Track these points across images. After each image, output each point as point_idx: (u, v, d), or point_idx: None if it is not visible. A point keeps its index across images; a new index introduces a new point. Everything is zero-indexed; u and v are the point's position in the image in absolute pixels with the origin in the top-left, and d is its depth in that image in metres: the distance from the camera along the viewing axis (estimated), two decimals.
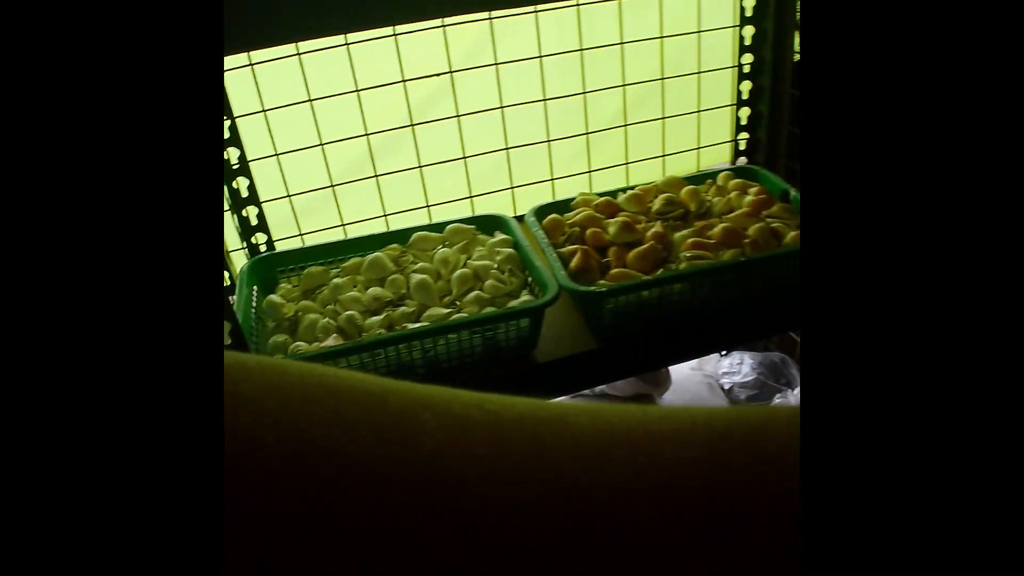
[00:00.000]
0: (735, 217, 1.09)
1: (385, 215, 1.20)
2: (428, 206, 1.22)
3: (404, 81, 1.12)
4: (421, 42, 1.12)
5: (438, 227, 1.07)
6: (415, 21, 1.07)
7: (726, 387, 1.45)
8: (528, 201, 1.22)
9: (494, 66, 1.17)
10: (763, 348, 1.55)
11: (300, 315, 0.95)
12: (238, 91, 1.04)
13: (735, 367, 1.48)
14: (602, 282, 0.96)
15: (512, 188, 1.27)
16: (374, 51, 1.09)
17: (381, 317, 0.89)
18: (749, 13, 1.30)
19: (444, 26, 1.11)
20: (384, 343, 0.82)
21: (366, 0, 0.99)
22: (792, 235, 1.05)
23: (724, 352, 1.56)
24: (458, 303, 0.93)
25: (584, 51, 1.22)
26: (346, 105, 1.11)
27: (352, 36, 1.06)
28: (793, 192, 1.14)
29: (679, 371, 1.46)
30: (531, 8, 1.15)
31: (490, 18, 1.13)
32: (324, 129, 1.11)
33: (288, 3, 0.94)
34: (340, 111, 1.11)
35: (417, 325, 0.87)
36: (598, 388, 1.36)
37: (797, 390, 1.45)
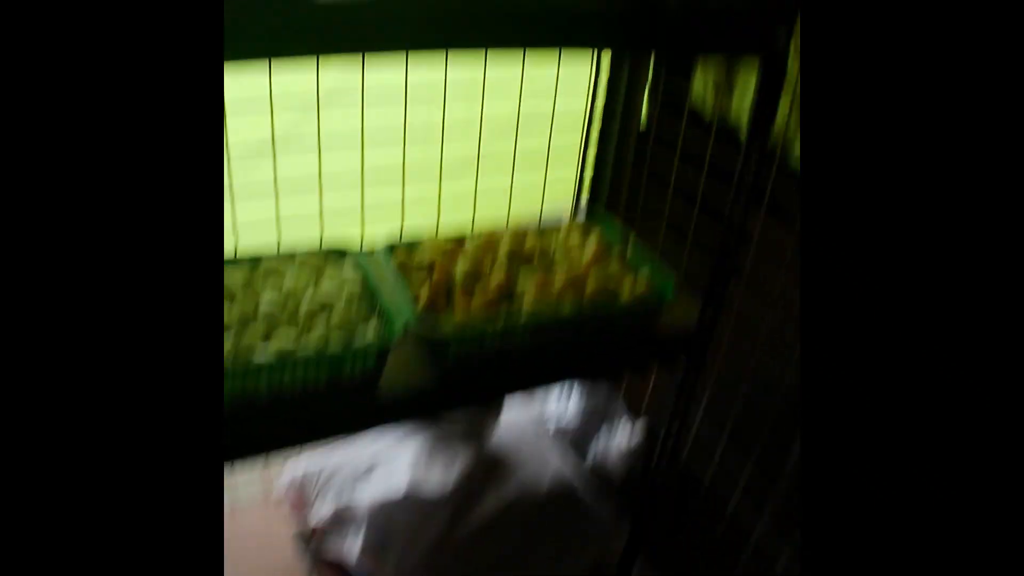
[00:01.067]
0: (575, 266, 1.18)
1: (235, 233, 1.18)
2: (279, 233, 1.21)
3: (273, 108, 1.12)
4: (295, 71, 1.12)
5: (289, 252, 1.07)
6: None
7: (551, 429, 1.54)
8: (380, 235, 1.25)
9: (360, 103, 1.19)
10: (591, 394, 1.66)
11: None
12: None
13: (562, 410, 1.57)
14: (447, 320, 1.01)
15: (363, 222, 1.29)
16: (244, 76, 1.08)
17: (228, 344, 0.88)
18: (603, 79, 1.41)
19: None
20: (229, 375, 0.82)
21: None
22: (626, 285, 1.14)
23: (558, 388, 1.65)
24: (304, 334, 0.93)
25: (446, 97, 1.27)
26: None
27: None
28: (631, 245, 1.24)
29: (508, 407, 1.53)
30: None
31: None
32: None
33: None
34: None
35: (264, 356, 0.86)
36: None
37: (619, 426, 1.55)
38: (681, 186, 1.39)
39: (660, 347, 1.17)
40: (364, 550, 1.40)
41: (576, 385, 1.67)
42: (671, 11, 0.86)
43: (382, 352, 0.92)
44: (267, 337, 0.91)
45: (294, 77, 1.13)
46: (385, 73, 1.19)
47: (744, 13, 0.93)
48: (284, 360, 0.85)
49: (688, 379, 1.21)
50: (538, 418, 1.56)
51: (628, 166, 1.51)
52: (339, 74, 1.18)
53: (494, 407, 1.43)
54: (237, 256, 1.07)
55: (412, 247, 1.18)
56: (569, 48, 0.82)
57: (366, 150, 1.23)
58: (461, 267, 1.13)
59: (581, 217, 1.34)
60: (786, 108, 1.19)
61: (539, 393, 1.70)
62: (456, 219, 1.37)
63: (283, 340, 0.90)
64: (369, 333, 0.94)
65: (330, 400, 0.91)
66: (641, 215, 1.51)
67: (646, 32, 0.86)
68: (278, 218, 1.20)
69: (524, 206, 1.46)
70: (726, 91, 1.32)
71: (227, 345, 0.87)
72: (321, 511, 1.46)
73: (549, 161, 1.42)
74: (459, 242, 1.20)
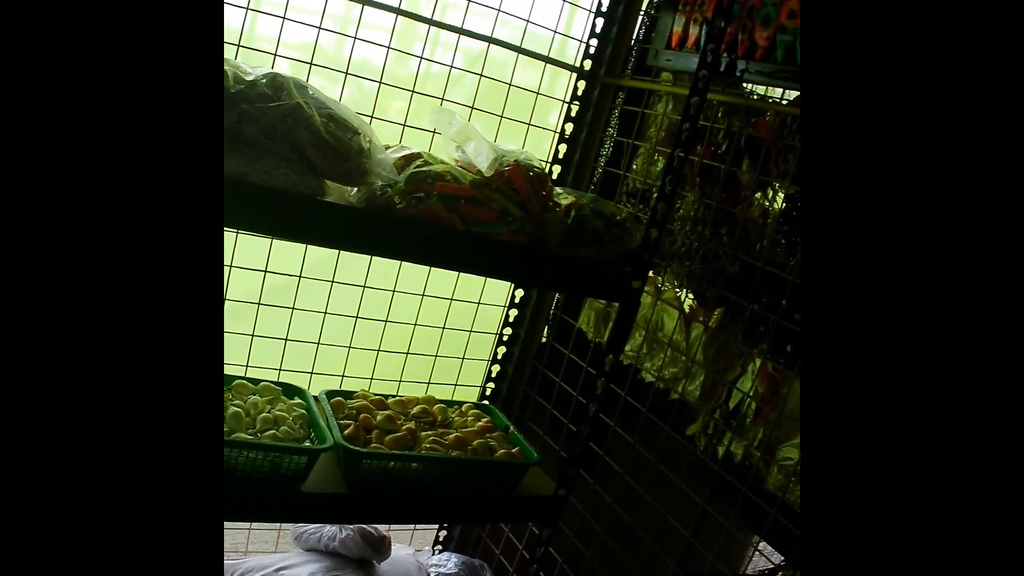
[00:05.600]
0: (466, 432, 1.53)
1: None
2: (247, 365, 1.55)
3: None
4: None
5: (254, 380, 1.41)
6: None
7: (431, 573, 1.79)
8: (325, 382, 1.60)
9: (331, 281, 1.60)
10: (469, 554, 1.92)
11: None
12: None
13: (442, 562, 1.83)
14: (363, 445, 1.34)
15: (312, 372, 1.64)
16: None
17: None
18: (517, 300, 1.85)
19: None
20: None
21: None
22: (501, 452, 1.49)
23: (443, 529, 1.93)
24: (258, 435, 1.25)
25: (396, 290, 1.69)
26: None
27: None
28: (512, 429, 1.60)
29: (398, 550, 1.78)
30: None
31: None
32: None
33: None
34: None
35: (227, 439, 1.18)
36: (332, 545, 1.65)
37: None
38: (561, 392, 1.79)
39: (524, 504, 1.50)
40: None
41: (455, 539, 1.95)
42: (556, 264, 1.31)
43: (312, 456, 1.24)
44: (229, 433, 1.22)
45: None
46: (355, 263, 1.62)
47: (609, 271, 1.38)
48: (240, 444, 1.16)
49: (544, 539, 1.52)
50: (421, 565, 1.81)
51: (526, 371, 1.92)
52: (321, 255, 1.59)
53: (385, 549, 1.69)
54: None
55: (347, 396, 1.52)
56: (479, 275, 1.26)
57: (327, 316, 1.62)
58: (380, 417, 1.47)
59: (479, 403, 1.71)
60: (640, 338, 1.64)
61: (425, 548, 1.96)
62: (389, 374, 1.73)
63: (242, 435, 1.22)
64: (305, 443, 1.27)
65: (268, 486, 1.21)
66: (529, 410, 1.89)
67: (533, 275, 1.32)
68: (249, 358, 1.55)
69: (445, 377, 1.84)
70: (603, 321, 1.77)
71: None
72: None
73: (467, 350, 1.82)
74: (383, 399, 1.56)
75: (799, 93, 1.39)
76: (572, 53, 1.75)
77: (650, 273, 1.46)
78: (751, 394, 1.39)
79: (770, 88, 1.49)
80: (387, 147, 1.24)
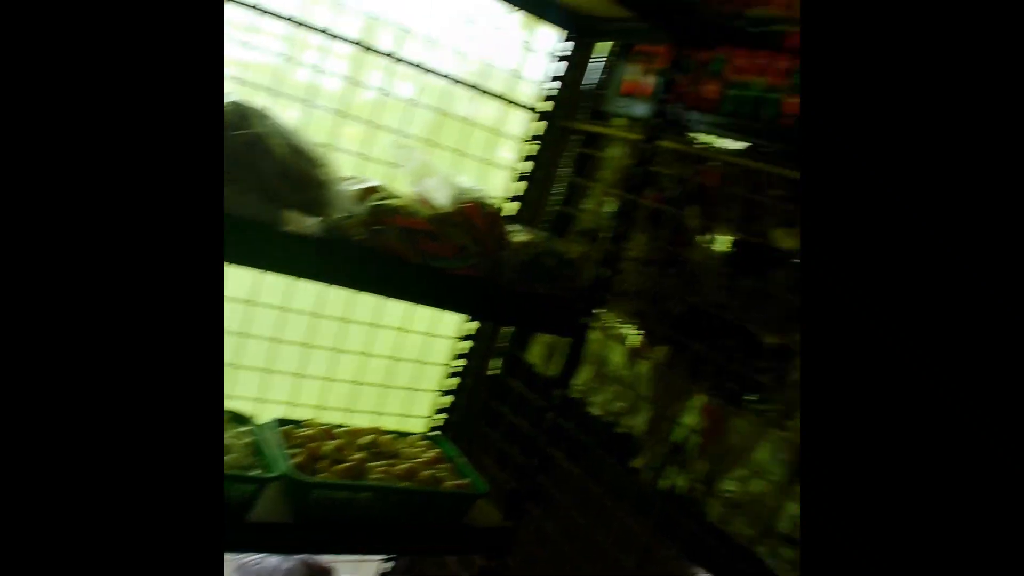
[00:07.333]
0: (415, 463, 1.54)
1: None
2: None
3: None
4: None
5: None
6: None
7: None
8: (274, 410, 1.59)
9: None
10: None
11: None
12: None
13: None
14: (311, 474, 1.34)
15: (259, 400, 1.63)
16: None
17: None
18: (469, 332, 1.88)
19: None
20: None
21: None
22: (450, 483, 1.50)
23: (389, 560, 1.92)
24: None
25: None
26: None
27: None
28: (461, 459, 1.61)
29: None
30: None
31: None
32: None
33: None
34: None
35: None
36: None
37: None
38: (510, 426, 1.81)
39: (472, 535, 1.50)
40: None
41: (401, 570, 1.94)
42: (510, 299, 1.35)
43: (260, 484, 1.24)
44: None
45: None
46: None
47: (561, 307, 1.42)
48: None
49: (491, 571, 1.53)
50: None
51: (477, 402, 1.93)
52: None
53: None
54: None
55: (297, 425, 1.52)
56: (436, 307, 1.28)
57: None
58: (329, 447, 1.47)
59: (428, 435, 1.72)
60: (589, 373, 1.68)
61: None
62: (339, 402, 1.73)
63: None
64: (253, 472, 1.26)
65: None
66: (479, 441, 1.91)
67: (488, 309, 1.35)
68: None
69: (395, 407, 1.84)
70: (553, 355, 1.80)
71: None
72: None
73: (418, 380, 1.84)
74: (332, 428, 1.55)
75: (745, 144, 1.47)
76: (524, 90, 1.79)
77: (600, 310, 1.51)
78: (696, 429, 1.44)
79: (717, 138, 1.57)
80: (345, 178, 1.26)
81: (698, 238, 1.55)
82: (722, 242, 1.55)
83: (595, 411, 1.66)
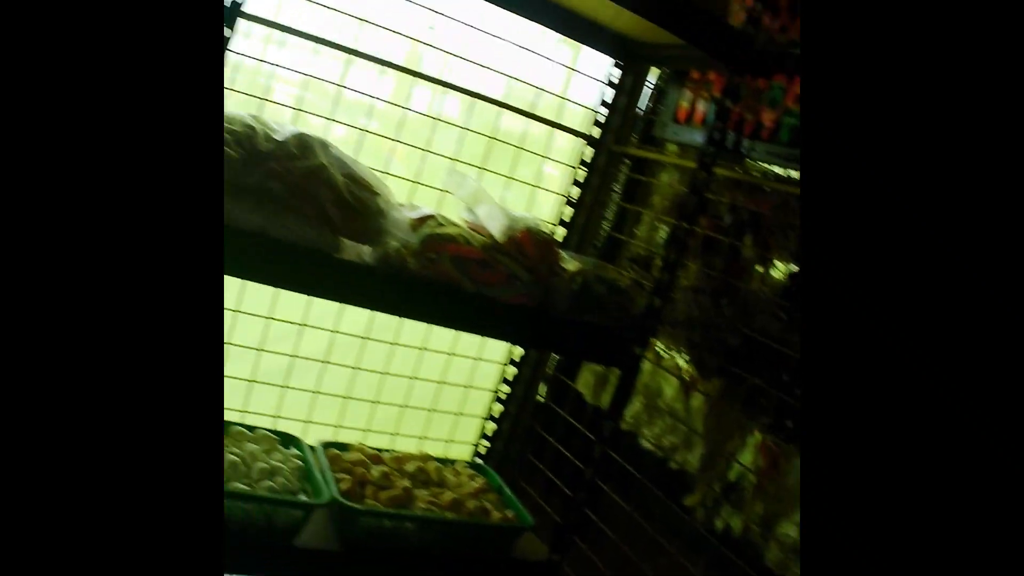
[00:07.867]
0: (461, 493, 1.52)
1: None
2: (242, 411, 1.55)
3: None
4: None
5: (250, 427, 1.40)
6: None
7: None
8: (316, 434, 1.59)
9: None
10: None
11: None
12: None
13: None
14: (360, 502, 1.33)
15: (307, 422, 1.63)
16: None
17: None
18: (516, 358, 1.86)
19: None
20: None
21: None
22: (496, 516, 1.47)
23: None
24: (254, 486, 1.24)
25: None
26: None
27: None
28: (506, 490, 1.59)
29: None
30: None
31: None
32: None
33: None
34: None
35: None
36: None
37: None
38: (556, 456, 1.78)
39: (517, 570, 1.48)
40: None
41: None
42: (561, 328, 1.33)
43: (308, 510, 1.23)
44: (226, 481, 1.21)
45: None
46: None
47: (612, 336, 1.40)
48: (237, 496, 1.15)
49: None
50: None
51: (522, 430, 1.91)
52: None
53: None
54: None
55: (342, 448, 1.51)
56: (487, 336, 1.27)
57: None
58: (375, 472, 1.46)
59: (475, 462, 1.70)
60: (640, 404, 1.64)
61: None
62: (384, 425, 1.71)
63: (238, 485, 1.21)
64: (302, 496, 1.26)
65: (261, 539, 1.20)
66: (523, 472, 1.88)
67: (539, 338, 1.33)
68: (247, 404, 1.54)
69: (440, 432, 1.82)
70: (601, 385, 1.77)
71: None
72: None
73: (463, 406, 1.82)
74: (379, 453, 1.55)
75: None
76: (572, 115, 1.78)
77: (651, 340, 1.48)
78: (752, 468, 1.40)
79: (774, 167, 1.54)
80: (400, 205, 1.26)
81: (754, 267, 1.52)
82: (778, 272, 1.51)
83: (646, 444, 1.63)
